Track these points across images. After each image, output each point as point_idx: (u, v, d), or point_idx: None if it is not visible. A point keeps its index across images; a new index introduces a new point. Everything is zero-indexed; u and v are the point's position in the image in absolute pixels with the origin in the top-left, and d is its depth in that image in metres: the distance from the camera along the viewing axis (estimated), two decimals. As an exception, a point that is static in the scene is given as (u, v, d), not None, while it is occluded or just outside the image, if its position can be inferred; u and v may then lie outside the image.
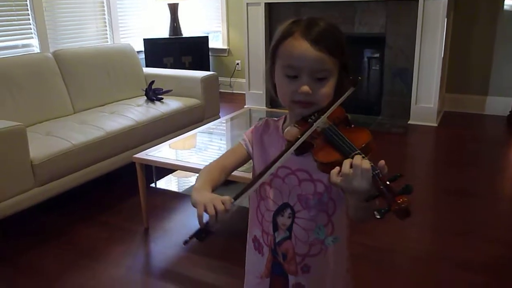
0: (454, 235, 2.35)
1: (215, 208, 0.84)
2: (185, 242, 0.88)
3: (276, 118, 1.09)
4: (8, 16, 3.80)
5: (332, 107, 0.93)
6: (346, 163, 0.81)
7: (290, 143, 0.92)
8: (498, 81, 4.39)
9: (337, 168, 0.82)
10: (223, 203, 0.85)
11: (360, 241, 2.17)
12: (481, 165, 3.38)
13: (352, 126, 0.97)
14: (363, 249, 2.16)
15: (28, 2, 3.90)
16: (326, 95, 0.95)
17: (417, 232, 2.40)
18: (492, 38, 4.32)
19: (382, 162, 0.80)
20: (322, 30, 0.92)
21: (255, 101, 4.91)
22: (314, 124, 0.91)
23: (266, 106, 4.73)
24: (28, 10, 3.92)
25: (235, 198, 0.87)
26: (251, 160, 1.09)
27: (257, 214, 1.07)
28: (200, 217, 0.85)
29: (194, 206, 0.88)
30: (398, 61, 4.22)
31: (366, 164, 0.79)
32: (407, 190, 0.76)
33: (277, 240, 1.04)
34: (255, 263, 1.10)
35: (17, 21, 3.87)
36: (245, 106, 4.83)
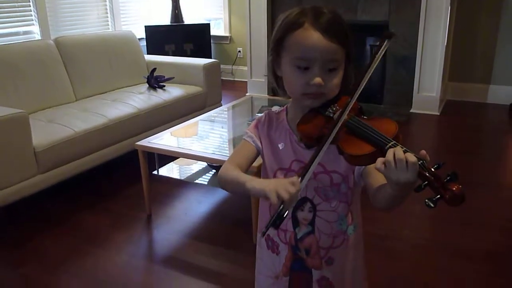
0: (456, 223, 2.36)
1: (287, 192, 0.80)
2: (263, 234, 0.86)
3: (275, 110, 1.07)
4: (9, 3, 3.77)
5: (359, 87, 0.89)
6: (390, 155, 0.77)
7: (309, 139, 0.91)
8: (501, 70, 4.37)
9: (381, 159, 0.79)
10: (292, 185, 0.81)
11: (363, 229, 2.18)
12: (483, 154, 3.38)
13: (364, 116, 0.95)
14: (365, 236, 2.17)
15: (28, -11, 3.88)
16: (336, 86, 0.94)
17: (418, 221, 2.42)
18: (496, 27, 4.29)
19: (423, 151, 0.78)
20: (330, 19, 0.91)
21: (257, 89, 4.89)
22: (344, 112, 0.87)
23: (268, 94, 4.72)
24: (29, -3, 3.90)
25: (301, 178, 0.84)
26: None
27: (270, 212, 1.02)
28: (276, 205, 0.80)
29: (260, 196, 0.83)
30: (401, 50, 4.19)
31: (411, 157, 0.75)
32: (455, 176, 0.75)
33: (298, 236, 1.02)
34: (269, 263, 1.09)
35: (18, 7, 3.84)
36: (247, 94, 4.82)
